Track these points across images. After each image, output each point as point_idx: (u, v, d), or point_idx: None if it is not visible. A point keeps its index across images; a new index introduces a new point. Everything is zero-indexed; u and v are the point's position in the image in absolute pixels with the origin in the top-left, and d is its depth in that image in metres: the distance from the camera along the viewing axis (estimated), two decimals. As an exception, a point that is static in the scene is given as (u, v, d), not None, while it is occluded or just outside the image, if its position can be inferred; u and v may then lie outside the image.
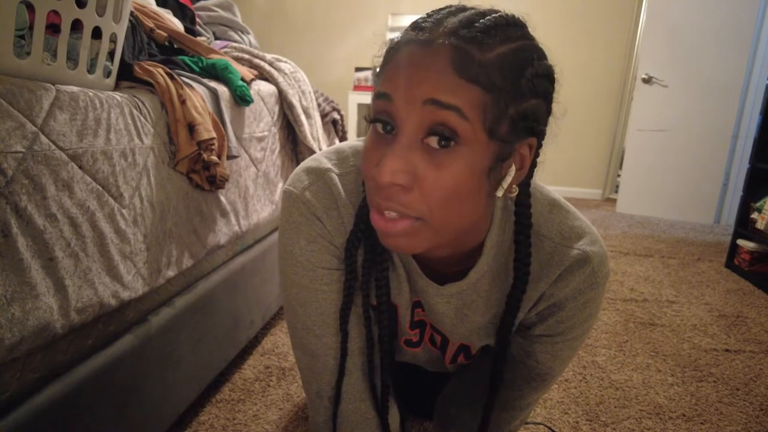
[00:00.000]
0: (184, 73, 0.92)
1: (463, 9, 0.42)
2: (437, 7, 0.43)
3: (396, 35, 0.44)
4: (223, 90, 0.96)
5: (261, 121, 1.13)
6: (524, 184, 0.46)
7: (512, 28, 0.42)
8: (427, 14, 0.42)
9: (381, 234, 0.43)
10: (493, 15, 0.41)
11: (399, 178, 0.39)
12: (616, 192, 3.22)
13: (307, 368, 0.59)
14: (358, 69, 3.46)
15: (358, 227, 0.51)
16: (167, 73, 0.78)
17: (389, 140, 0.41)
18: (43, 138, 0.53)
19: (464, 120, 0.38)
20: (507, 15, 0.42)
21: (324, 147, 1.37)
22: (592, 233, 0.53)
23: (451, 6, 0.43)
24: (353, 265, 0.53)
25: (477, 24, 0.39)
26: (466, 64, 0.38)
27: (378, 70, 0.44)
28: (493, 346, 0.57)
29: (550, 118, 0.47)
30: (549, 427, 0.91)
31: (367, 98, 3.36)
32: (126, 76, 0.75)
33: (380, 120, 0.41)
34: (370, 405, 0.60)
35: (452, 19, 0.40)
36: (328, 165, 0.54)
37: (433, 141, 0.39)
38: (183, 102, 0.77)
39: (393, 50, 0.42)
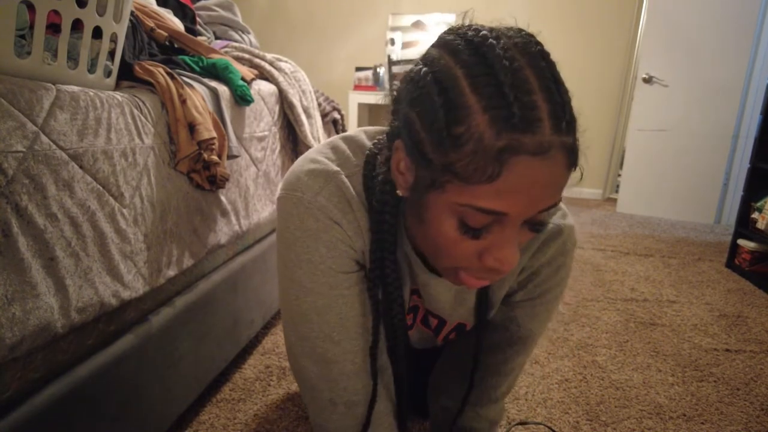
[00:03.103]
0: (185, 72, 0.92)
1: (537, 65, 0.38)
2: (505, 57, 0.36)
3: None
4: (223, 90, 0.96)
5: (261, 120, 1.13)
6: None
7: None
8: (513, 88, 0.35)
9: (464, 285, 0.46)
10: (567, 94, 0.39)
11: (516, 260, 0.42)
12: (617, 192, 3.22)
13: (318, 377, 0.55)
14: (358, 69, 3.46)
15: (382, 236, 0.49)
16: (168, 73, 0.78)
17: (483, 232, 0.40)
18: (43, 137, 0.53)
19: (556, 205, 0.41)
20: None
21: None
22: (562, 208, 0.58)
23: (518, 57, 0.37)
24: (383, 277, 0.51)
25: (567, 106, 0.38)
26: (574, 158, 0.38)
27: (471, 167, 0.36)
28: (476, 314, 0.61)
29: None
30: (549, 427, 0.91)
31: (367, 98, 3.35)
32: (126, 76, 0.75)
33: (483, 227, 0.40)
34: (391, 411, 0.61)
35: (539, 94, 0.36)
36: (334, 167, 0.51)
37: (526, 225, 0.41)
38: (183, 102, 0.77)
39: (497, 160, 0.35)
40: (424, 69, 0.40)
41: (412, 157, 0.42)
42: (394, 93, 0.46)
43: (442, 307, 0.61)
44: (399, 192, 0.46)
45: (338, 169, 0.51)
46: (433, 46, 0.42)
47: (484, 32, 0.39)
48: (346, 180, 0.51)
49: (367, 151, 0.53)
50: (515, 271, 0.59)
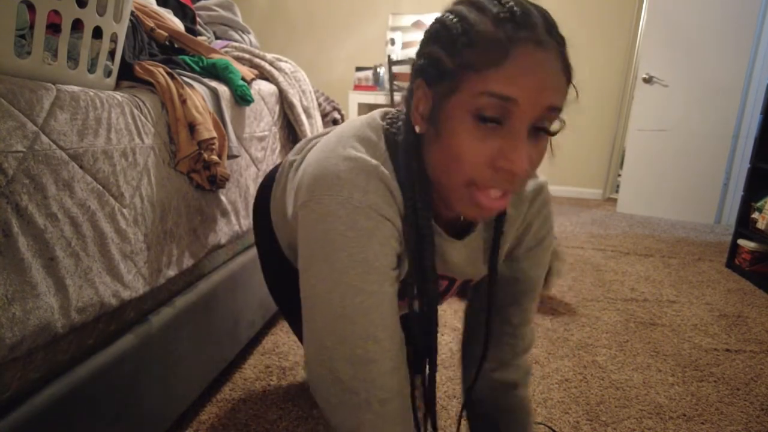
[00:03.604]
0: (185, 72, 0.92)
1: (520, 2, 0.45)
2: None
3: (472, 18, 0.45)
4: (223, 90, 0.96)
5: (261, 120, 1.13)
6: None
7: None
8: (500, 2, 0.44)
9: (479, 210, 0.49)
10: (546, 12, 0.47)
11: (528, 167, 0.45)
12: (617, 192, 3.22)
13: (353, 378, 0.53)
14: (358, 68, 3.46)
15: (415, 210, 0.52)
16: (168, 73, 0.78)
17: (496, 131, 0.44)
18: (43, 137, 0.53)
19: (558, 114, 0.46)
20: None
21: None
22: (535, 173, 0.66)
23: None
24: (421, 251, 0.54)
25: (553, 22, 0.46)
26: (567, 68, 0.45)
27: (474, 60, 0.43)
28: (487, 271, 0.65)
29: None
30: (550, 427, 0.91)
31: (367, 98, 3.35)
32: (127, 76, 0.75)
33: (495, 119, 0.44)
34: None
35: (535, 13, 0.45)
36: (372, 160, 0.51)
37: (533, 130, 0.46)
38: (183, 101, 0.77)
39: (502, 45, 0.42)
40: (438, 17, 0.48)
41: (430, 80, 0.47)
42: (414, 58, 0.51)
43: (452, 268, 0.64)
44: (417, 129, 0.50)
45: (376, 162, 0.51)
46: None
47: None
48: (385, 171, 0.51)
49: (384, 132, 0.55)
50: (515, 225, 0.65)
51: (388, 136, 0.54)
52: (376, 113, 0.58)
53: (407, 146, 0.52)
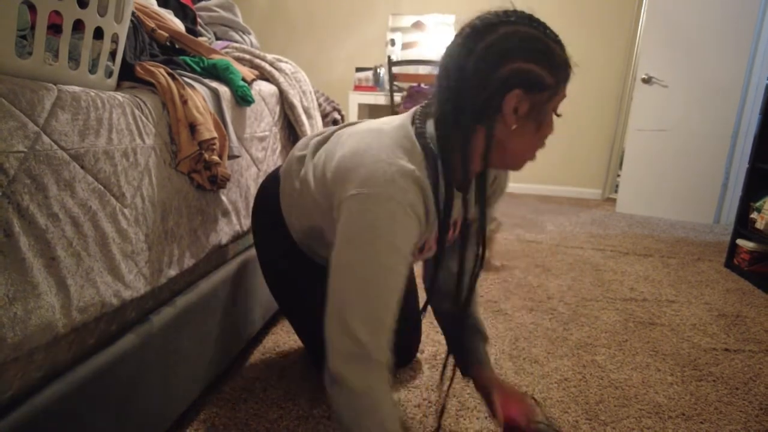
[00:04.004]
0: (186, 73, 0.92)
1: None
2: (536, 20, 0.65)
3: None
4: (224, 90, 0.96)
5: (262, 121, 1.14)
6: None
7: None
8: (555, 38, 0.64)
9: (518, 167, 0.73)
10: None
11: None
12: (616, 192, 3.22)
13: (368, 338, 0.63)
14: (358, 69, 3.46)
15: (446, 189, 0.68)
16: (169, 74, 0.78)
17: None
18: (45, 138, 0.53)
19: None
20: None
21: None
22: None
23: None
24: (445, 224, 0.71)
25: None
26: None
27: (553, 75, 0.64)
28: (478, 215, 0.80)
29: None
30: (533, 397, 0.91)
31: (367, 98, 3.35)
32: (127, 76, 0.75)
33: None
34: None
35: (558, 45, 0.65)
36: (410, 165, 0.64)
37: None
38: (184, 102, 0.77)
39: (569, 66, 0.65)
40: (522, 31, 0.62)
41: (531, 91, 0.63)
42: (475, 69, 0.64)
43: (456, 214, 0.78)
44: (512, 126, 0.65)
45: (413, 167, 0.64)
46: (497, 24, 0.63)
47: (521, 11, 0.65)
48: (419, 174, 0.65)
49: (417, 137, 0.68)
50: (492, 176, 0.82)
51: (420, 140, 0.68)
52: (406, 119, 0.71)
53: (457, 143, 0.67)
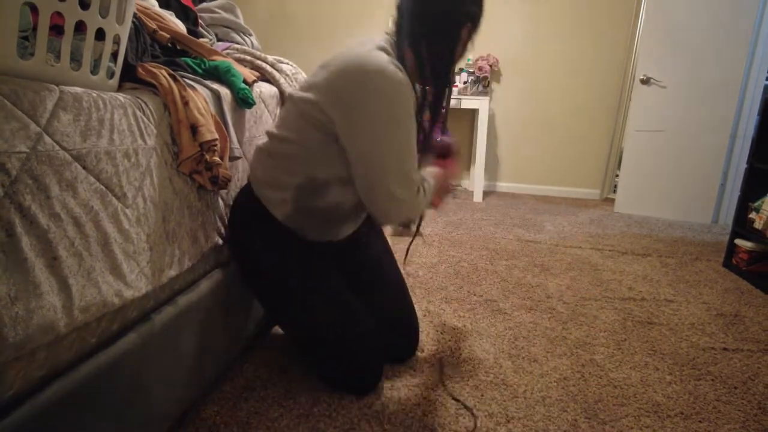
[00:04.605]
0: (187, 74, 0.93)
1: None
2: None
3: None
4: (225, 92, 0.96)
5: (262, 123, 1.14)
6: None
7: None
8: None
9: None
10: None
11: None
12: (615, 192, 3.23)
13: (405, 189, 0.87)
14: (357, 69, 3.46)
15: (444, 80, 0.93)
16: (170, 75, 0.78)
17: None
18: (46, 138, 0.53)
19: None
20: None
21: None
22: None
23: None
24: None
25: None
26: None
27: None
28: None
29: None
30: (465, 406, 0.93)
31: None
32: (129, 78, 0.76)
33: None
34: None
35: None
36: (389, 58, 0.84)
37: None
38: (186, 103, 0.78)
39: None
40: None
41: (474, 24, 0.89)
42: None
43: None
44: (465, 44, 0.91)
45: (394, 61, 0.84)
46: None
47: None
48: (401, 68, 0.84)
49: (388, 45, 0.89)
50: None
51: (394, 51, 0.88)
52: (377, 43, 0.89)
53: (421, 57, 0.88)
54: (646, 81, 2.87)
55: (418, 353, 1.16)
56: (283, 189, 0.92)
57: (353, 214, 1.00)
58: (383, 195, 0.85)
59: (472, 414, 0.94)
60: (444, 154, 1.03)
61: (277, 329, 1.26)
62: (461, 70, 3.30)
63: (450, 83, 0.94)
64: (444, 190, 1.06)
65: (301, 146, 0.89)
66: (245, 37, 1.48)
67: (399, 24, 0.88)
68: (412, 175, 0.87)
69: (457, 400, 0.98)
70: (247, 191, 0.97)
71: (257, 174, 0.96)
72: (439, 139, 1.01)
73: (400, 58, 0.87)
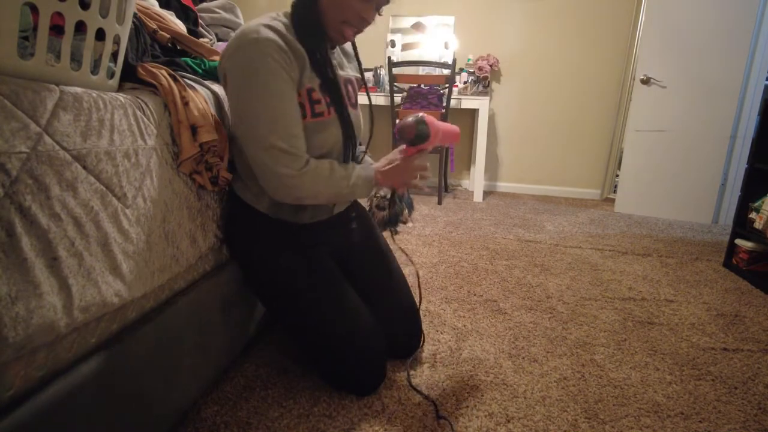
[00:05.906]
0: (187, 74, 0.93)
1: None
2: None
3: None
4: (225, 93, 0.96)
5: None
6: None
7: None
8: None
9: (344, 39, 0.91)
10: None
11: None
12: (615, 192, 3.23)
13: (290, 146, 0.84)
14: (357, 69, 3.46)
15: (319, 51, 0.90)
16: (170, 75, 0.78)
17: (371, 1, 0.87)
18: (47, 138, 0.53)
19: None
20: None
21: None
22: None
23: None
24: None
25: None
26: None
27: None
28: None
29: None
30: (440, 413, 0.93)
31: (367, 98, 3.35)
32: (129, 78, 0.76)
33: None
34: None
35: None
36: (269, 24, 0.84)
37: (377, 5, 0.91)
38: (186, 103, 0.78)
39: None
40: None
41: None
42: None
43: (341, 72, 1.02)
44: None
45: (271, 24, 0.85)
46: None
47: None
48: (276, 26, 0.84)
49: (283, 14, 0.90)
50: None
51: (285, 14, 0.89)
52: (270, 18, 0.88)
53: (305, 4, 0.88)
54: (646, 81, 2.87)
55: (419, 353, 1.16)
56: (252, 179, 0.92)
57: None
58: (260, 169, 0.84)
59: (435, 407, 0.94)
60: (413, 141, 0.95)
61: (278, 329, 1.26)
62: (461, 70, 3.30)
63: (322, 43, 0.89)
64: (403, 173, 0.97)
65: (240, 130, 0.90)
66: (245, 37, 1.48)
67: None
68: (288, 149, 0.82)
69: (420, 393, 1.00)
70: (232, 196, 0.97)
71: (234, 176, 0.97)
72: (411, 119, 0.95)
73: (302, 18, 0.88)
